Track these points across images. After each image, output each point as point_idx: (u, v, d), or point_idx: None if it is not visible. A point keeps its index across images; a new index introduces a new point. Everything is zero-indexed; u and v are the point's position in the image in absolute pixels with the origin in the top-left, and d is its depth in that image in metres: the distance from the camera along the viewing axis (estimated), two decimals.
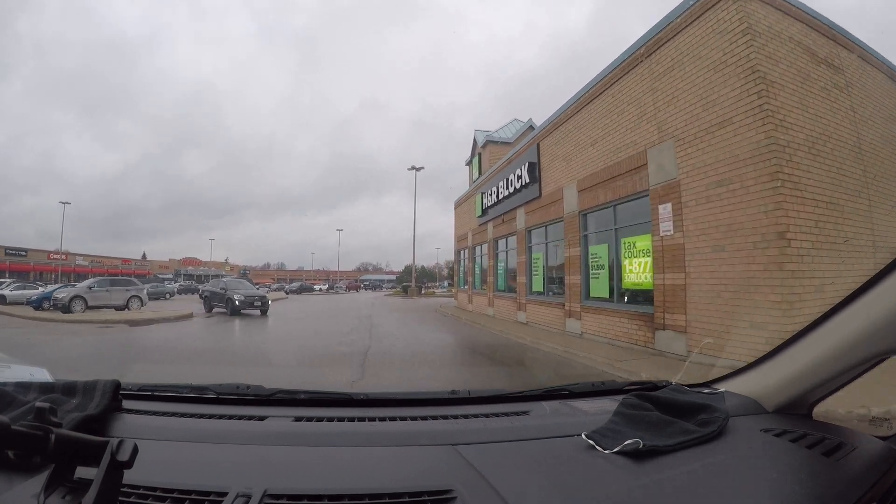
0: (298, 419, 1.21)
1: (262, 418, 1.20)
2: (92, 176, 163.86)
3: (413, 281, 45.74)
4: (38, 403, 0.79)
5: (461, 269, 24.40)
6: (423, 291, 47.78)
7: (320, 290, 65.92)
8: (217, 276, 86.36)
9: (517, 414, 1.27)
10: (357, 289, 72.46)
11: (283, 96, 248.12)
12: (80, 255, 66.34)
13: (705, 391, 1.35)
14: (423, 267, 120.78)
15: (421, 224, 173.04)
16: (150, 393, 1.37)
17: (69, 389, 1.17)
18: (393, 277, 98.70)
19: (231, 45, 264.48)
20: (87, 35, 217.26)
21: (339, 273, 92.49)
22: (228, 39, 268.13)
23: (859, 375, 1.09)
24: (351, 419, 1.21)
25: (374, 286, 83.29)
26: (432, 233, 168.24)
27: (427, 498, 0.82)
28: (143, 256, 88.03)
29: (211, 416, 1.21)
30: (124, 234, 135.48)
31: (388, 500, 0.82)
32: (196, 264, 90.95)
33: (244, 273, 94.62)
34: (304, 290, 57.81)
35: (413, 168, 44.31)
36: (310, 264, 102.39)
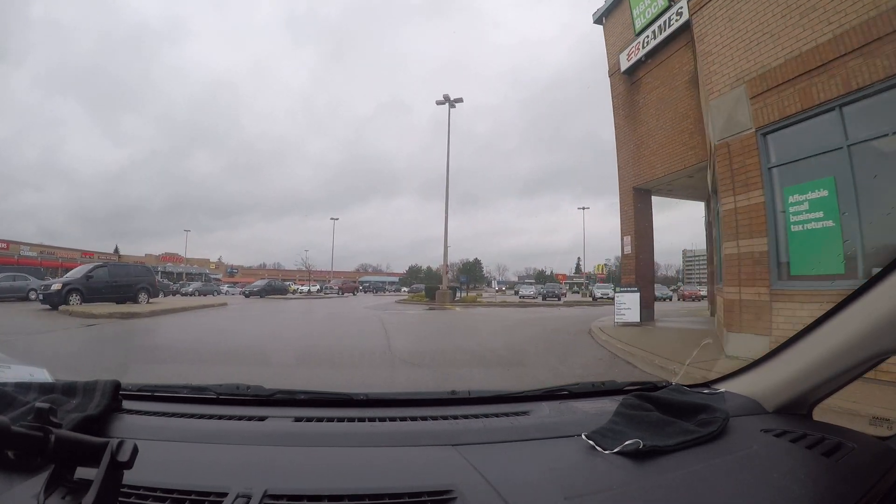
0: (298, 419, 1.20)
1: (261, 419, 1.19)
2: (96, 172, 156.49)
3: (444, 280, 28.40)
4: (37, 404, 0.78)
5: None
6: (457, 297, 29.96)
7: (308, 291, 48.88)
8: (200, 273, 74.82)
9: (517, 414, 1.27)
10: (354, 291, 54.26)
11: (297, 95, 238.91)
12: (27, 244, 58.44)
13: (705, 391, 1.34)
14: (428, 268, 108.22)
15: (426, 229, 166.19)
16: (149, 393, 1.36)
17: (69, 390, 1.16)
18: (395, 279, 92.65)
19: (251, 42, 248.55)
20: (103, 24, 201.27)
21: (332, 273, 74.37)
22: (250, 35, 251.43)
23: (859, 375, 1.09)
24: (351, 419, 1.20)
25: (376, 288, 71.38)
26: (437, 237, 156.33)
27: (427, 498, 0.82)
28: (116, 250, 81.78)
29: (211, 417, 1.20)
30: (127, 233, 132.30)
31: (387, 500, 0.81)
32: (177, 261, 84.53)
33: (231, 272, 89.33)
34: (273, 291, 38.49)
35: (445, 100, 27.40)
36: (313, 264, 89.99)
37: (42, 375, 1.46)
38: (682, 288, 51.42)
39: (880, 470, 0.92)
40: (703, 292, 46.22)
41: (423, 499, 0.82)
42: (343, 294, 48.17)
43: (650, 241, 13.24)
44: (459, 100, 29.51)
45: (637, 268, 12.72)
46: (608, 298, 35.93)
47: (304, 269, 65.83)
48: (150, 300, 20.17)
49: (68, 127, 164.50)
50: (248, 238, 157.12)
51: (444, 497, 0.82)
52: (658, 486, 0.86)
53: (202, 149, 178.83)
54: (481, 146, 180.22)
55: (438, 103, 29.38)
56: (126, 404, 1.22)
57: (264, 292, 36.93)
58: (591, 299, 37.68)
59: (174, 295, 41.66)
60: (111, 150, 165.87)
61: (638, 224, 12.95)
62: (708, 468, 0.92)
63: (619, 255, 14.10)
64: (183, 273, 76.03)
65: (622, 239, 13.06)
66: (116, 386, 1.17)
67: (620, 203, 13.60)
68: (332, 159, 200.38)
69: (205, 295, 40.88)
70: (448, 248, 29.37)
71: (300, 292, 47.94)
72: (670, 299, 41.99)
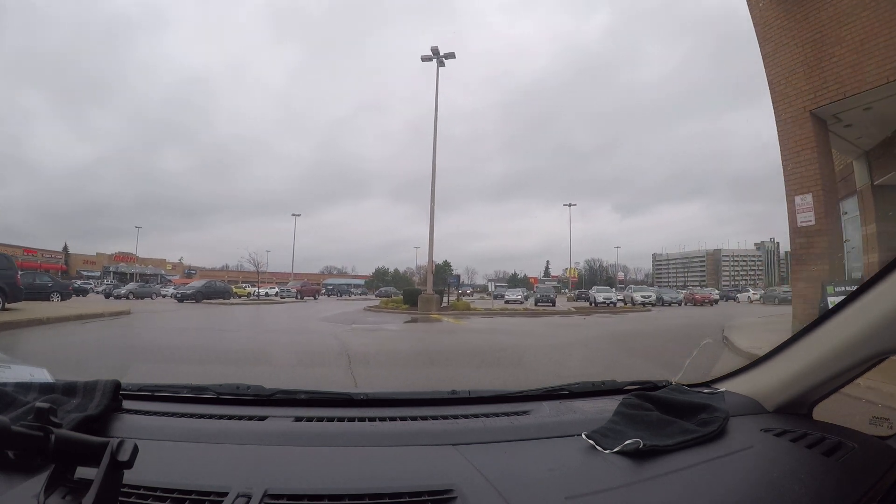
0: (299, 419, 1.19)
1: (262, 418, 1.19)
2: (58, 168, 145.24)
3: (429, 282, 22.47)
4: (38, 404, 0.78)
5: None
6: (446, 302, 23.82)
7: (266, 294, 42.35)
8: (155, 274, 69.63)
9: (517, 414, 1.26)
10: (315, 294, 47.13)
11: (269, 95, 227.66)
12: None
13: (705, 391, 1.33)
14: (395, 270, 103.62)
15: (394, 232, 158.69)
16: (150, 393, 1.35)
17: (69, 390, 1.16)
18: (361, 282, 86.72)
19: (229, 37, 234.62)
20: (76, 11, 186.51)
21: (293, 274, 67.20)
22: (228, 30, 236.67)
23: (859, 375, 1.08)
24: (351, 419, 1.20)
25: (341, 291, 63.38)
26: (405, 240, 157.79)
27: (427, 497, 0.82)
28: (65, 248, 78.11)
29: (211, 416, 1.20)
30: (92, 232, 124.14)
31: (388, 500, 0.81)
32: (130, 260, 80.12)
33: (189, 273, 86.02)
34: (213, 294, 31.49)
35: (434, 54, 21.74)
36: (276, 266, 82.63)
37: (42, 375, 1.42)
38: (692, 291, 46.42)
39: (880, 469, 0.93)
40: (716, 296, 41.97)
41: (423, 498, 0.81)
42: (302, 298, 41.02)
43: (837, 204, 7.70)
44: (451, 55, 23.88)
45: (830, 251, 7.12)
46: (610, 304, 31.08)
47: (264, 269, 58.92)
48: (7, 305, 13.92)
49: (30, 119, 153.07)
50: (214, 240, 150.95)
51: (444, 497, 0.82)
52: (658, 485, 0.86)
53: (170, 147, 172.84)
54: (455, 150, 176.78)
55: (424, 59, 24.29)
56: (126, 404, 1.21)
57: (201, 295, 30.25)
58: (589, 304, 32.52)
59: (110, 297, 35.36)
60: (76, 144, 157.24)
61: (823, 174, 7.35)
62: (708, 468, 0.92)
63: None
64: (136, 273, 72.15)
65: (792, 202, 7.45)
66: (117, 386, 1.16)
67: (782, 142, 7.96)
68: (301, 161, 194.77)
69: (140, 298, 34.76)
70: (425, 245, 23.61)
71: (255, 296, 41.59)
72: (680, 304, 36.99)
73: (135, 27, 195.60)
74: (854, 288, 2.26)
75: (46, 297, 21.47)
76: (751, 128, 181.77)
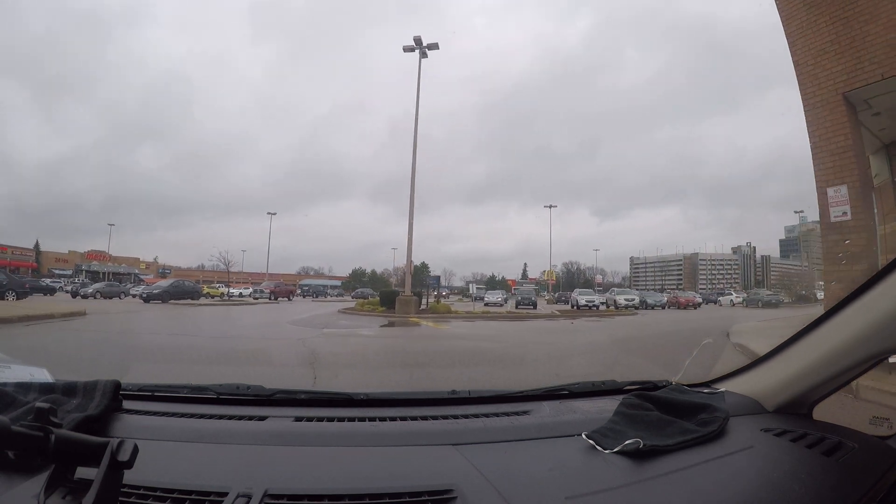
0: (299, 419, 1.19)
1: (262, 418, 1.19)
2: (32, 163, 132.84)
3: (407, 283, 21.49)
4: (38, 404, 0.78)
5: None
6: (425, 304, 22.67)
7: (239, 294, 40.81)
8: (128, 273, 68.54)
9: (517, 414, 1.26)
10: (290, 295, 45.20)
11: (250, 92, 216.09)
12: None
13: (705, 391, 1.33)
14: (373, 271, 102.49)
15: (373, 233, 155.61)
16: (150, 393, 1.35)
17: (69, 390, 1.16)
18: (338, 283, 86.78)
19: (206, 32, 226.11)
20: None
21: (268, 274, 65.39)
22: (210, 24, 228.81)
23: (860, 375, 1.09)
24: (351, 419, 1.20)
25: (317, 292, 61.08)
26: (384, 241, 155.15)
27: (427, 497, 0.82)
28: (36, 245, 75.38)
29: (211, 417, 1.19)
30: (65, 230, 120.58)
31: (388, 500, 0.81)
32: (104, 259, 77.85)
33: (163, 272, 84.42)
34: (181, 294, 30.02)
35: (417, 44, 20.79)
36: (253, 266, 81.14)
37: (42, 375, 1.42)
38: (676, 294, 45.97)
39: (880, 469, 0.92)
40: (699, 299, 41.64)
41: (423, 498, 0.81)
42: (276, 299, 38.77)
43: (872, 197, 6.95)
44: (434, 45, 22.83)
45: (867, 250, 6.33)
46: (593, 307, 30.38)
47: (238, 269, 56.99)
48: None
49: (2, 111, 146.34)
50: (191, 238, 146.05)
51: (445, 497, 0.81)
52: (658, 485, 0.86)
53: (147, 143, 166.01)
54: (434, 152, 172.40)
55: (406, 50, 23.24)
56: (126, 404, 1.21)
57: (168, 296, 28.58)
58: (570, 307, 31.78)
59: (77, 296, 33.11)
60: (49, 139, 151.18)
61: (859, 162, 6.58)
62: (708, 468, 0.92)
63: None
64: (109, 272, 70.76)
65: (824, 194, 6.66)
66: (117, 386, 1.16)
67: (810, 129, 7.16)
68: (281, 160, 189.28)
69: (108, 297, 33.15)
70: (403, 246, 22.54)
71: (227, 296, 39.75)
72: (663, 307, 36.52)
73: (112, 19, 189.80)
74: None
75: (0, 297, 21.06)
76: (728, 134, 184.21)
